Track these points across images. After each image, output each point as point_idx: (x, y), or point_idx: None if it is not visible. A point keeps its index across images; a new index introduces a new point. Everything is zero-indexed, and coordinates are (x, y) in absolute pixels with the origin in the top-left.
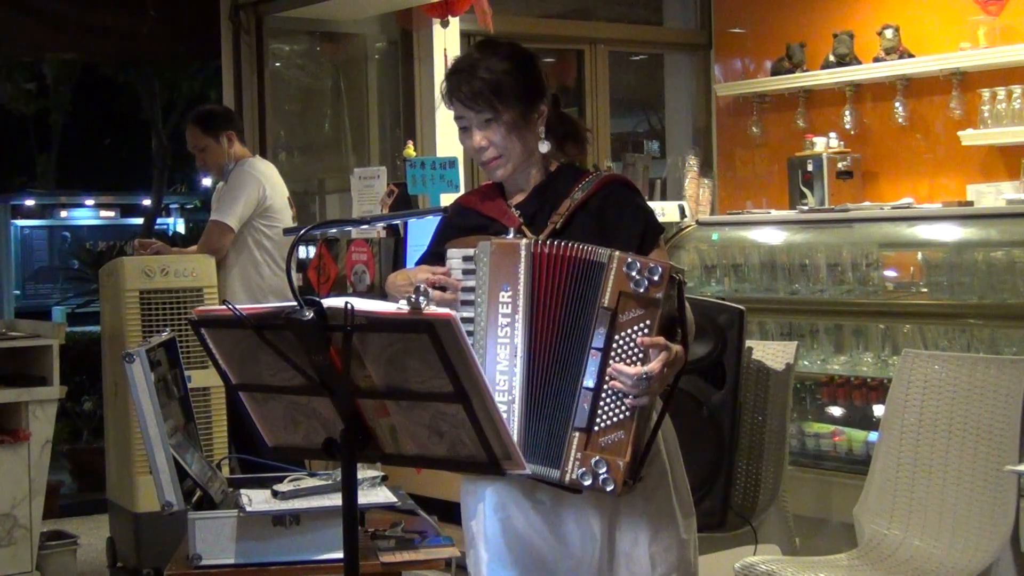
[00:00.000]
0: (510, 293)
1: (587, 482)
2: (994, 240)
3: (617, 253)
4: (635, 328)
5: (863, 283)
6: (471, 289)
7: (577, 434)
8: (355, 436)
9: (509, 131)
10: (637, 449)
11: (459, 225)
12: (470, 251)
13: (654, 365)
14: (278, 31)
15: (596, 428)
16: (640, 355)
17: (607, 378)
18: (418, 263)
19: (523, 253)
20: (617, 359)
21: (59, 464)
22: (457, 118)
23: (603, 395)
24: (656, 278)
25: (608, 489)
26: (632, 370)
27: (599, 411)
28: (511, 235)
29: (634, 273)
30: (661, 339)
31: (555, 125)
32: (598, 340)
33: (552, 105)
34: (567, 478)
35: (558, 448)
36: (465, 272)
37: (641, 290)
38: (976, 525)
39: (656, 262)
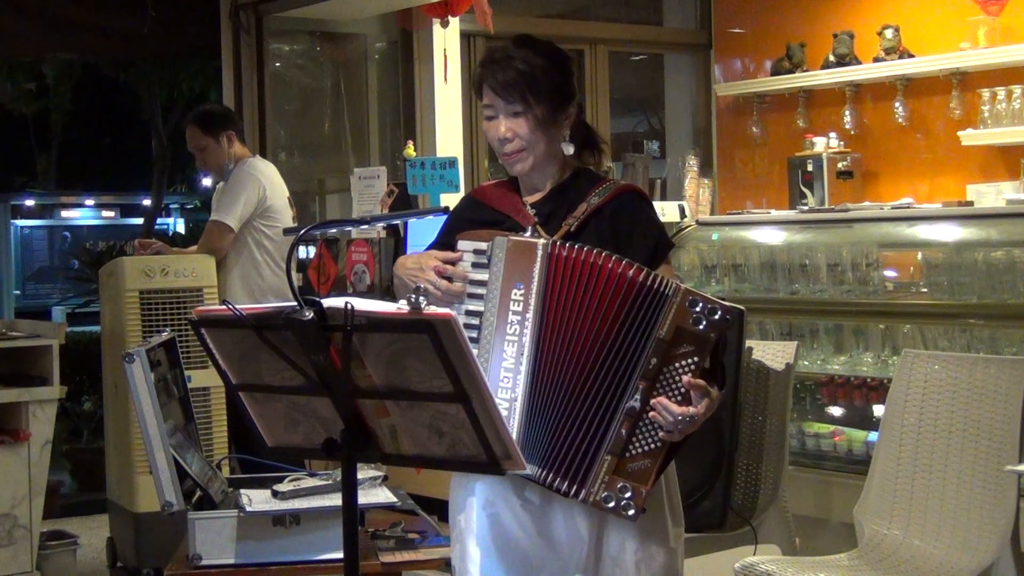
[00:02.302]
0: (522, 292)
1: (609, 505)
2: (994, 240)
3: (683, 287)
4: (684, 364)
5: (863, 283)
6: (479, 282)
7: (609, 457)
8: (355, 436)
9: (537, 126)
10: (658, 478)
11: (471, 218)
12: (482, 244)
13: (700, 409)
14: (278, 31)
15: (628, 454)
16: (682, 391)
17: (648, 408)
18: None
19: (539, 253)
20: (661, 392)
21: (59, 464)
22: (485, 106)
23: (641, 424)
24: (716, 318)
25: (628, 514)
26: (678, 409)
27: (635, 438)
28: (528, 234)
29: (696, 310)
30: (703, 383)
31: (576, 131)
32: (647, 370)
33: (577, 111)
34: (591, 499)
35: (584, 466)
36: (475, 265)
37: (700, 328)
38: (976, 525)
39: (717, 303)
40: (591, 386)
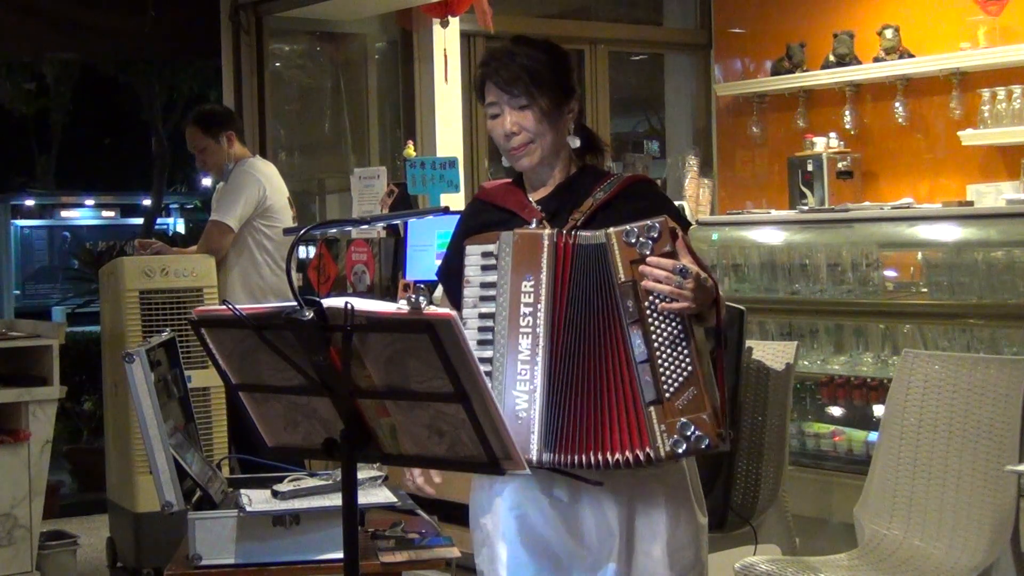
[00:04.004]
0: (532, 283)
1: (681, 448)
2: (994, 240)
3: (612, 229)
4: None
5: (863, 283)
6: (491, 284)
7: (652, 408)
8: (355, 436)
9: (543, 117)
10: (713, 398)
11: (478, 221)
12: (490, 247)
13: (684, 261)
14: (278, 31)
15: (668, 394)
16: (673, 301)
17: (657, 350)
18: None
19: (546, 243)
20: (655, 326)
21: (59, 464)
22: (489, 104)
23: (659, 362)
24: (656, 235)
25: (704, 446)
26: (668, 262)
27: (662, 377)
28: (533, 226)
29: (634, 239)
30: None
31: (578, 133)
32: (630, 314)
33: (579, 109)
34: (662, 453)
35: (638, 430)
36: (484, 268)
37: (648, 252)
38: (976, 525)
39: (651, 220)
40: (598, 358)
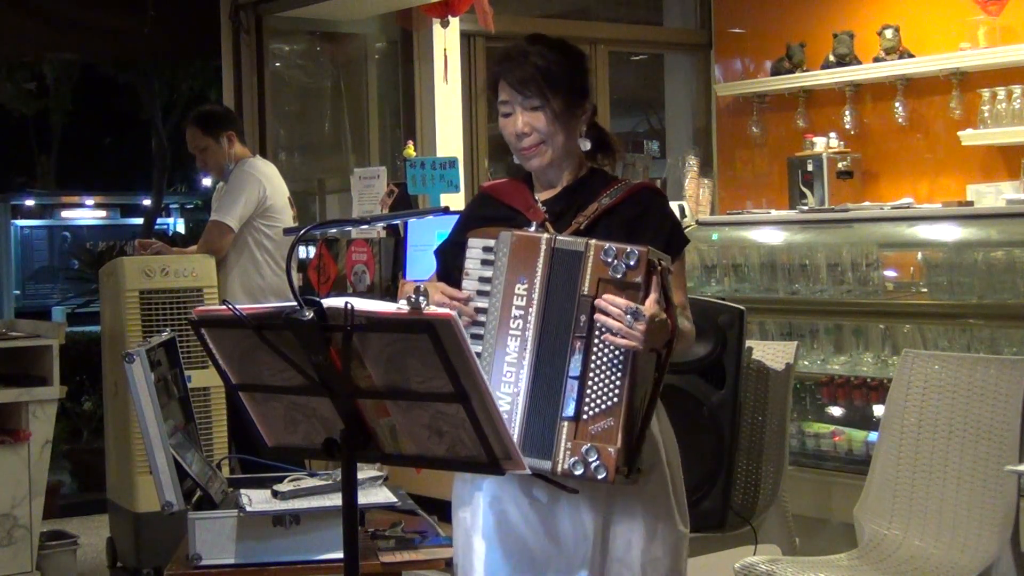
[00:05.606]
0: (526, 286)
1: (578, 471)
2: (994, 240)
3: (594, 241)
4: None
5: (863, 283)
6: (489, 280)
7: (566, 424)
8: (355, 436)
9: (555, 119)
10: (629, 436)
11: (481, 215)
12: (491, 242)
13: (649, 304)
14: (278, 31)
15: (585, 416)
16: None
17: (591, 371)
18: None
19: (543, 248)
20: (599, 343)
21: (59, 464)
22: (501, 103)
23: (589, 383)
24: (632, 263)
25: (600, 477)
26: (622, 302)
27: (586, 399)
28: (533, 228)
29: (610, 259)
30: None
31: (590, 130)
32: (580, 328)
33: (592, 110)
34: (559, 468)
35: (549, 439)
36: (484, 262)
37: (619, 276)
38: (976, 525)
39: (633, 247)
40: (552, 360)
